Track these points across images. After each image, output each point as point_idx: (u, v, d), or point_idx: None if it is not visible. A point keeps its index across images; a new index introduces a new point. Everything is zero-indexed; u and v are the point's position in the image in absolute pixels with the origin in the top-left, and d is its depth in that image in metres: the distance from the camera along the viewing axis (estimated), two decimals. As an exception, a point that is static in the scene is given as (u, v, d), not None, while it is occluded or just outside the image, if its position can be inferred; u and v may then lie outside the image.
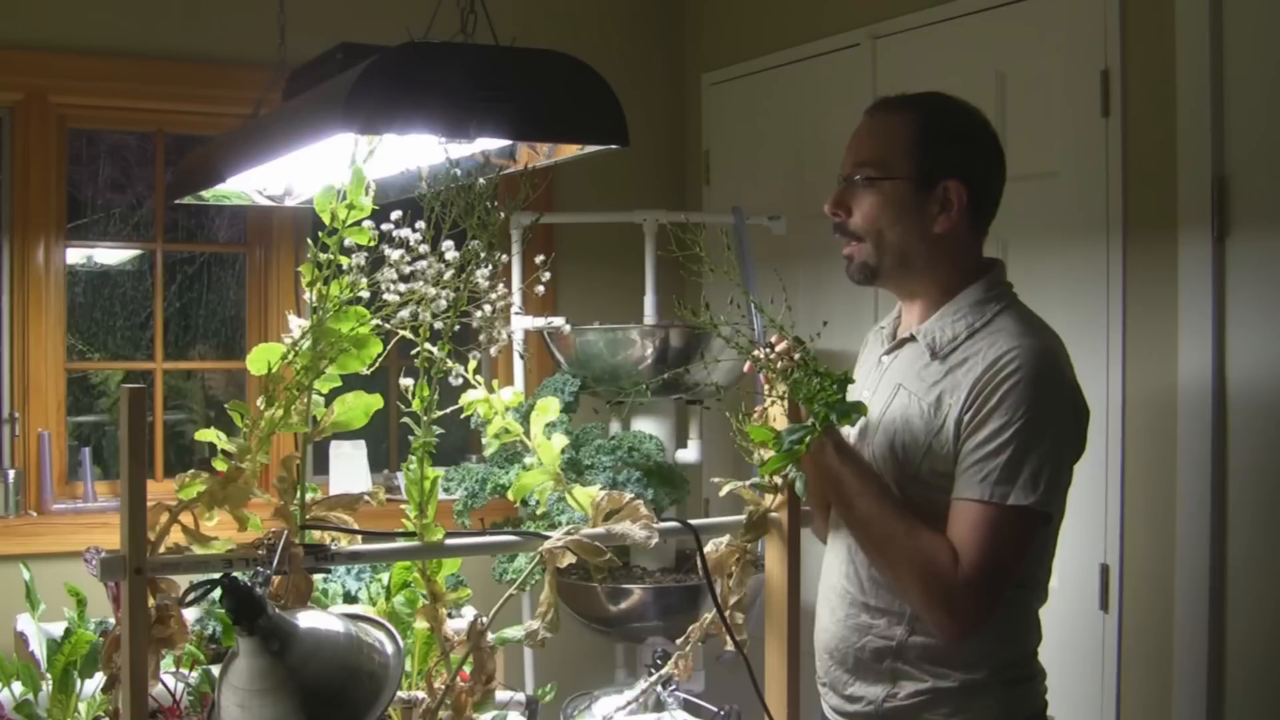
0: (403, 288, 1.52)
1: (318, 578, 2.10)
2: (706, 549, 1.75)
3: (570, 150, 1.85)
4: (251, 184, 2.36)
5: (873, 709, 1.83)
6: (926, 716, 1.79)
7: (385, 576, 2.03)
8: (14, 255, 3.15)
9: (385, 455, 3.67)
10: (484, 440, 1.84)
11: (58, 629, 2.19)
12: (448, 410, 1.66)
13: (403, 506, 1.63)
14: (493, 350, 1.59)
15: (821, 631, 1.91)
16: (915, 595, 1.73)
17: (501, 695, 2.19)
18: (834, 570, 1.90)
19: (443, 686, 1.67)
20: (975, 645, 1.75)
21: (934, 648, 1.78)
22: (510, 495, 1.92)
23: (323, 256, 1.53)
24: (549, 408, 1.81)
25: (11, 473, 3.11)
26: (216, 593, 1.35)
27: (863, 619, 1.84)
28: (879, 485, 1.76)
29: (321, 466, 3.41)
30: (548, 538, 1.61)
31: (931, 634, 1.77)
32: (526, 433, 1.80)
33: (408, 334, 1.55)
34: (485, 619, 1.66)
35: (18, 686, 2.13)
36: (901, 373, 1.85)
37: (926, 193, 1.80)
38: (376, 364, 1.58)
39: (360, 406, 1.62)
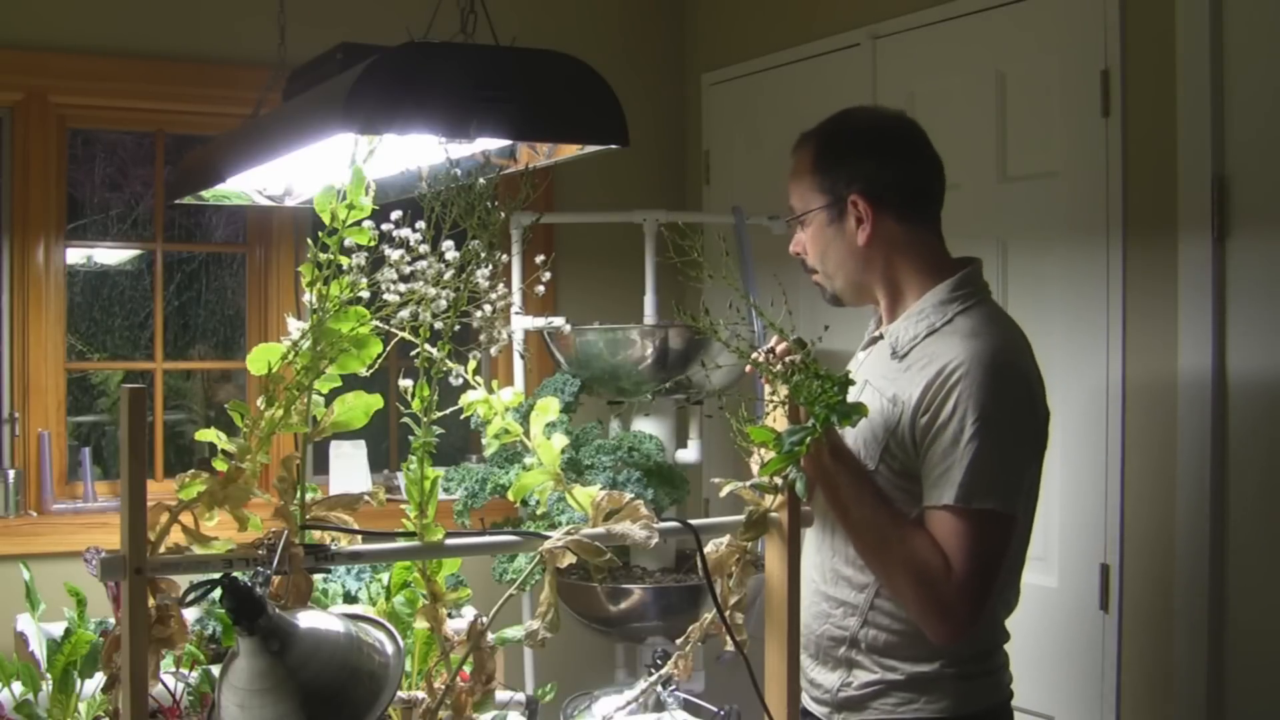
0: (403, 288, 1.52)
1: (318, 578, 2.10)
2: (706, 549, 1.74)
3: (570, 150, 1.85)
4: (251, 184, 2.35)
5: (829, 697, 1.88)
6: (878, 704, 1.83)
7: (385, 576, 2.03)
8: (14, 255, 3.15)
9: (385, 455, 3.67)
10: (484, 440, 1.83)
11: (58, 629, 2.19)
12: (448, 410, 1.66)
13: (403, 506, 1.63)
14: (493, 350, 1.58)
15: None
16: (909, 600, 1.75)
17: (501, 695, 2.19)
18: (806, 560, 1.92)
19: (443, 686, 1.67)
20: (928, 642, 1.78)
21: (884, 641, 1.82)
22: (510, 495, 1.91)
23: (323, 256, 1.53)
24: (549, 408, 1.81)
25: (11, 473, 3.11)
26: (216, 593, 1.35)
27: (823, 607, 1.89)
28: (874, 489, 1.77)
29: (321, 466, 3.41)
30: (548, 538, 1.60)
31: (884, 627, 1.81)
32: (526, 433, 1.80)
33: (407, 334, 1.55)
34: (485, 619, 1.66)
35: (18, 686, 2.13)
36: (870, 369, 1.90)
37: (840, 214, 1.87)
38: (376, 364, 1.57)
39: (360, 406, 1.61)
